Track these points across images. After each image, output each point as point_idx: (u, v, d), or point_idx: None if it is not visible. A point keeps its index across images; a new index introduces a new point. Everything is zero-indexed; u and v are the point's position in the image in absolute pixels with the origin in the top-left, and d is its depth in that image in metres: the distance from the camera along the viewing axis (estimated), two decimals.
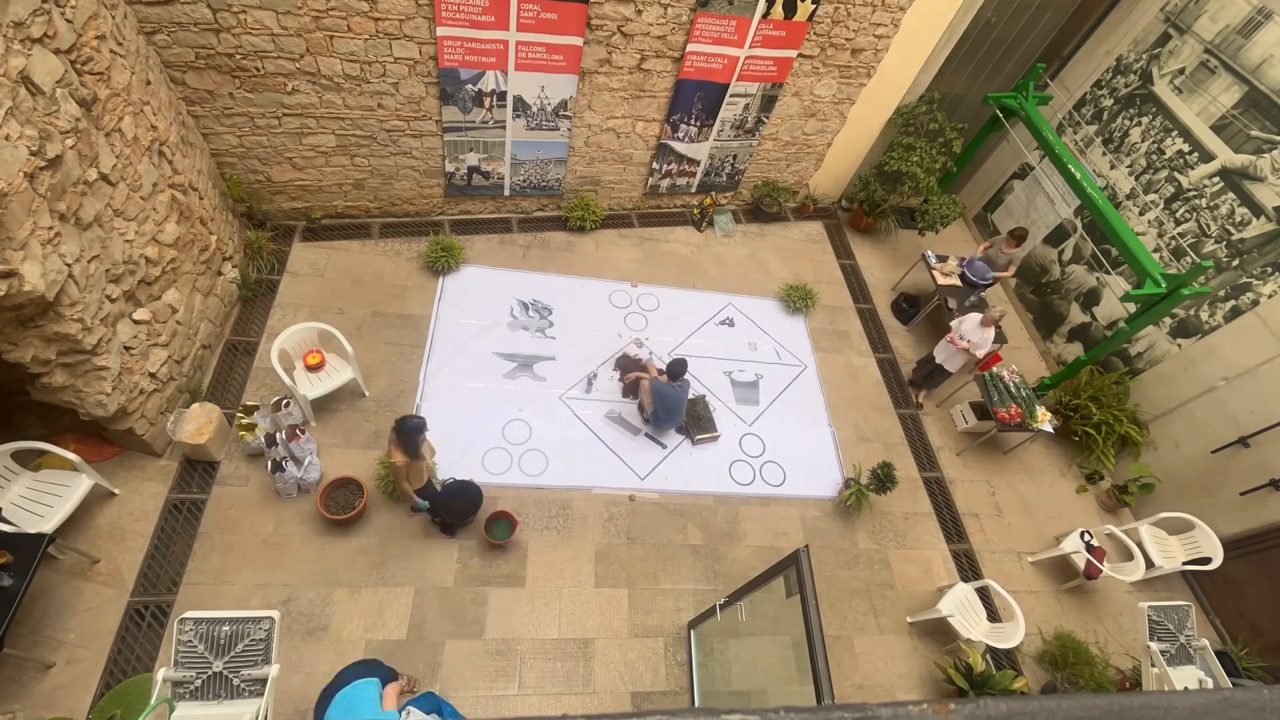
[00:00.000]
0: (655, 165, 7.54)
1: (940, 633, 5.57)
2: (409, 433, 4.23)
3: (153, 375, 4.81)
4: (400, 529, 5.17)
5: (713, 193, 8.09)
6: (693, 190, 8.07)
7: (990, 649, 5.41)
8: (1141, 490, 6.59)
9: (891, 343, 7.68)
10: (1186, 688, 4.54)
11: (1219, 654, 5.46)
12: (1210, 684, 4.77)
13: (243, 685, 3.54)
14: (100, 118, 4.00)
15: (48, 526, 4.24)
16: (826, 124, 7.76)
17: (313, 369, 5.38)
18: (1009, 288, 8.56)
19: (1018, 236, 7.07)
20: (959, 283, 7.38)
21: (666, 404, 5.81)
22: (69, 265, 3.73)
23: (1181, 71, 6.66)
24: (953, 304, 7.18)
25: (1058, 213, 7.82)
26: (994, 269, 7.25)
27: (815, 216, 8.84)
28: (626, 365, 6.60)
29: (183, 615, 3.49)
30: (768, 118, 7.39)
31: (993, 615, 5.61)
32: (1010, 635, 5.22)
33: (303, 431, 5.10)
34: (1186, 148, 6.59)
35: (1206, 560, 5.86)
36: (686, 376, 5.73)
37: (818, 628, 3.46)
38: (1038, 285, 8.14)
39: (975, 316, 6.45)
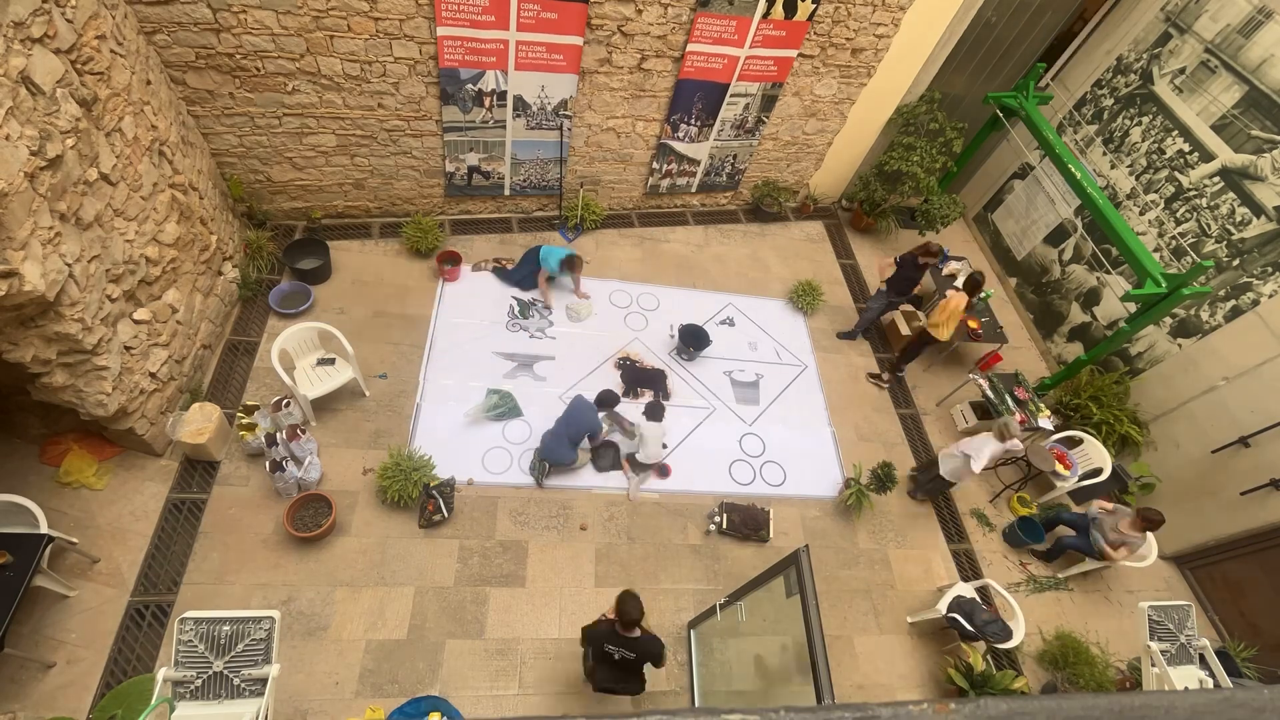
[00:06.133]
0: (655, 165, 7.54)
1: (940, 633, 5.57)
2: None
3: (153, 375, 4.81)
4: (400, 529, 5.18)
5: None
6: (693, 190, 8.07)
7: (990, 649, 5.41)
8: (1142, 490, 6.59)
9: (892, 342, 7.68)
10: (1186, 688, 4.54)
11: (1219, 654, 5.45)
12: (1210, 684, 4.77)
13: (243, 685, 3.54)
14: (100, 118, 4.00)
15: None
16: (827, 124, 7.76)
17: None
18: (1009, 287, 8.56)
19: (1149, 519, 5.41)
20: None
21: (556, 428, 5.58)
22: (69, 265, 3.73)
23: (1182, 71, 6.65)
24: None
25: (1058, 212, 7.82)
26: (1103, 538, 5.66)
27: (815, 216, 8.84)
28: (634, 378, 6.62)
29: (183, 615, 3.49)
30: (768, 117, 7.39)
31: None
32: (1010, 635, 5.22)
33: (303, 431, 5.10)
34: (1187, 147, 6.59)
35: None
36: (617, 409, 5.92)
37: (818, 628, 3.46)
38: (1038, 285, 8.14)
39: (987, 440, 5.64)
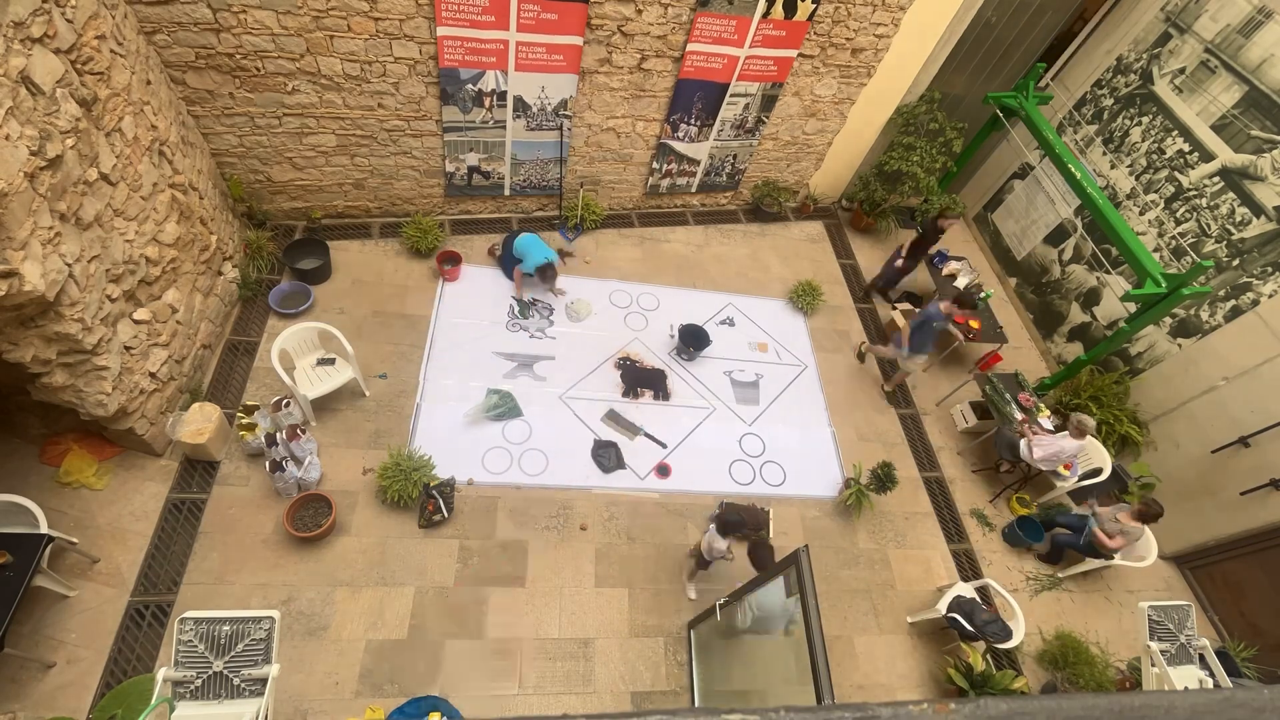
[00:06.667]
0: (655, 165, 7.54)
1: (940, 633, 5.57)
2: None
3: (153, 375, 4.81)
4: (400, 529, 5.18)
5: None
6: (693, 190, 8.07)
7: (990, 649, 5.41)
8: (1142, 490, 6.59)
9: None
10: (1186, 688, 4.54)
11: (1219, 653, 5.46)
12: (1210, 684, 4.77)
13: (243, 685, 3.54)
14: (100, 117, 4.00)
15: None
16: (826, 124, 7.76)
17: None
18: (1009, 287, 8.56)
19: (1146, 509, 5.38)
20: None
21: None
22: (69, 265, 3.73)
23: (1182, 71, 6.65)
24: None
25: (1058, 212, 7.82)
26: (1102, 528, 5.64)
27: (815, 216, 8.84)
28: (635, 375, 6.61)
29: (183, 615, 3.49)
30: (768, 117, 7.39)
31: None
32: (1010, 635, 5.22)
33: (303, 431, 5.10)
34: (1187, 147, 6.59)
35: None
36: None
37: (818, 628, 3.46)
38: (1038, 285, 8.14)
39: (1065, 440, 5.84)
